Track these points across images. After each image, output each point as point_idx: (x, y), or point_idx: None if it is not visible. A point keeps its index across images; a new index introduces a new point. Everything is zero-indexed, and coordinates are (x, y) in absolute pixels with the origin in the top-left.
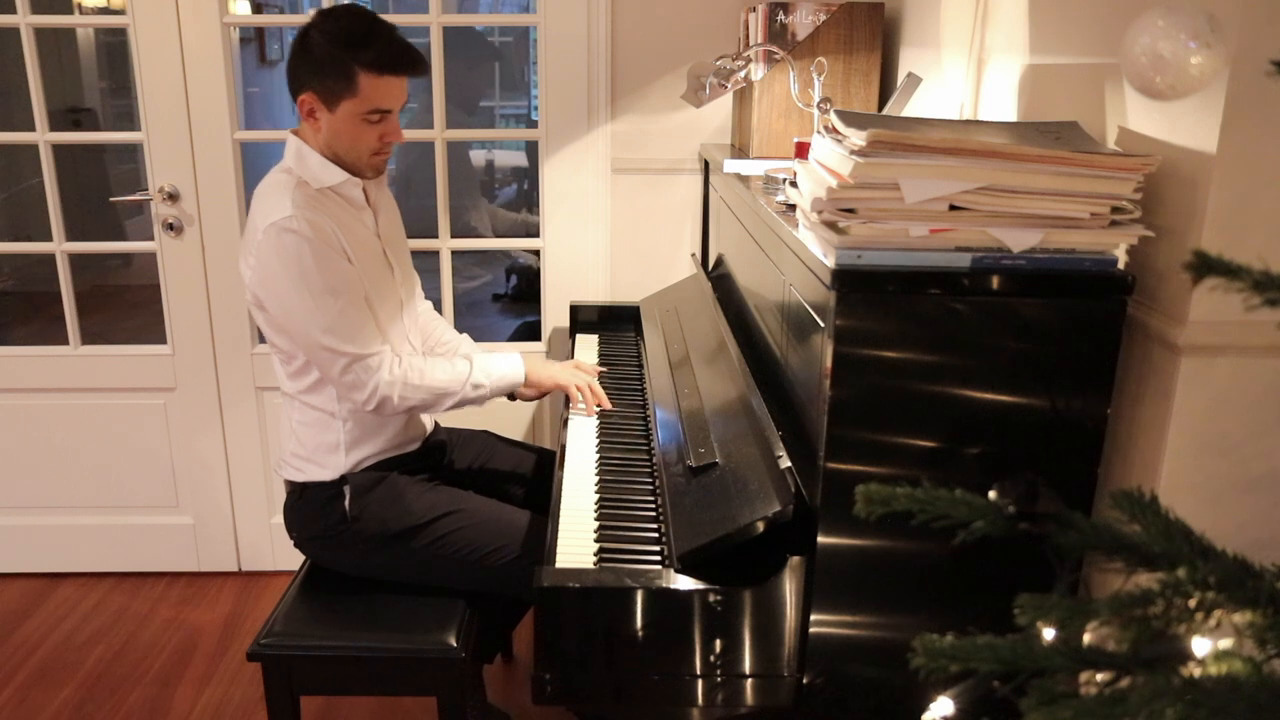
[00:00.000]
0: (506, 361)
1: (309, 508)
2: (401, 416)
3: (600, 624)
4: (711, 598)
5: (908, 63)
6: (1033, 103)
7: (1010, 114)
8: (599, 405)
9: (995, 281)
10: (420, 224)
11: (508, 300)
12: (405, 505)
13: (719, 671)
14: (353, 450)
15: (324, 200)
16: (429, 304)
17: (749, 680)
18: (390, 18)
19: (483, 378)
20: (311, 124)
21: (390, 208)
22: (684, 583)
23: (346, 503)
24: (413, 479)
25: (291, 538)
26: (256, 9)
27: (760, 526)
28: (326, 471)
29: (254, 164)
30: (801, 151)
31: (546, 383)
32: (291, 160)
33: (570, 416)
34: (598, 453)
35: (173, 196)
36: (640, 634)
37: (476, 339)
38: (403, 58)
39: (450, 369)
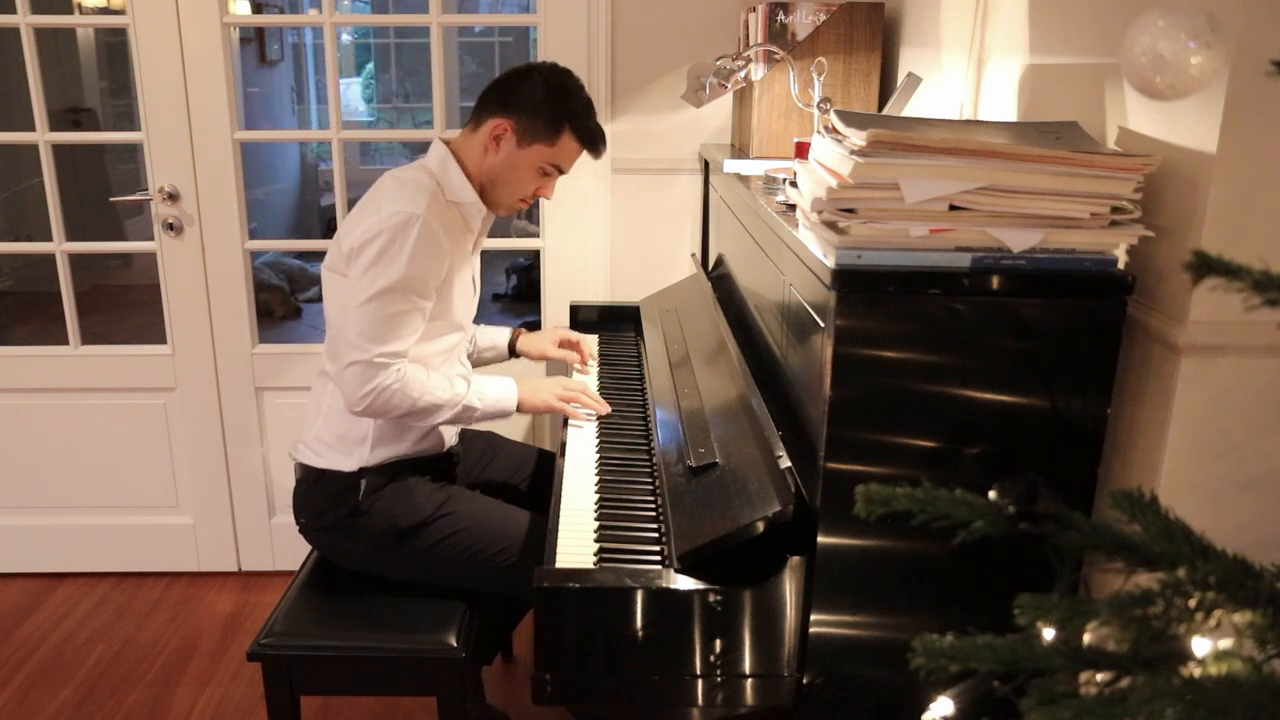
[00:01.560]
0: (500, 387)
1: (322, 495)
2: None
3: (600, 624)
4: (711, 598)
5: (908, 63)
6: (1033, 103)
7: (1010, 114)
8: (597, 412)
9: (995, 281)
10: None
11: (508, 300)
12: (412, 503)
13: (719, 671)
14: (378, 447)
15: (449, 214)
16: None
17: (749, 680)
18: (390, 18)
19: (475, 401)
20: (490, 147)
21: (485, 237)
22: (684, 583)
23: (360, 495)
24: (421, 478)
25: (299, 523)
26: (256, 9)
27: (760, 526)
28: (348, 462)
29: (254, 164)
30: (801, 151)
31: (540, 408)
32: (435, 165)
33: (571, 427)
34: (598, 453)
35: (173, 196)
36: (640, 634)
37: None
38: (601, 140)
39: (448, 386)
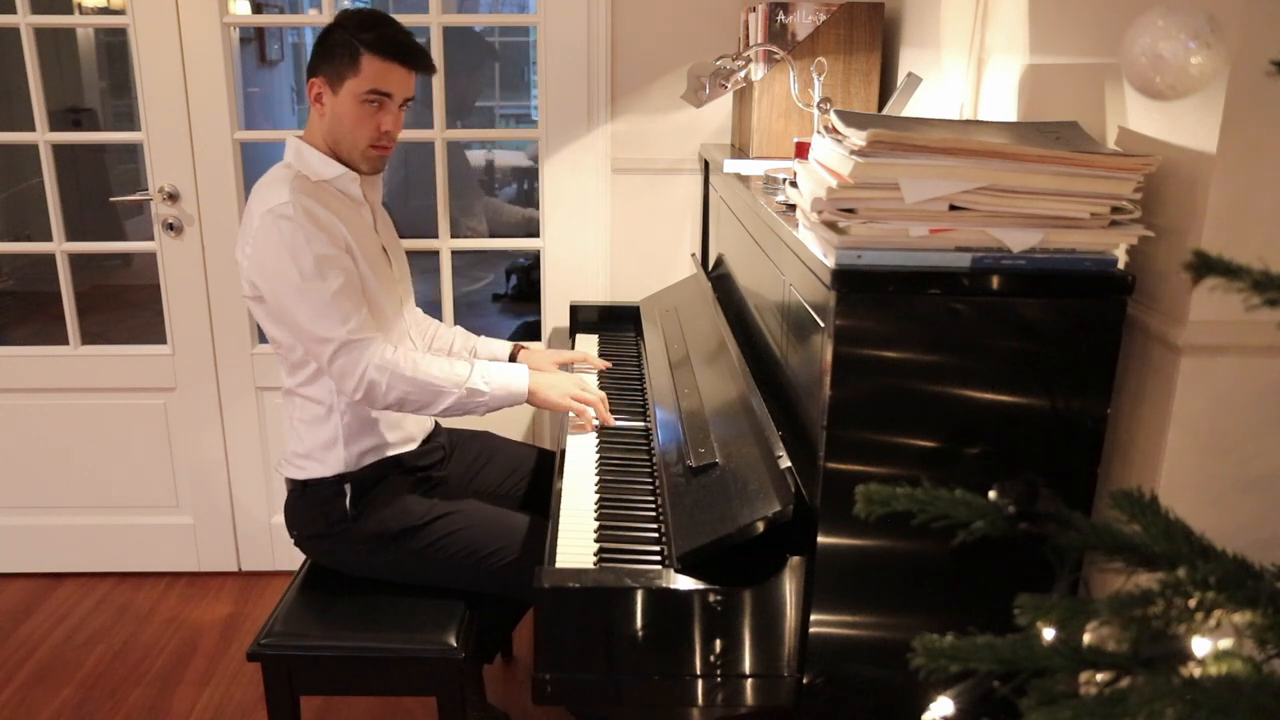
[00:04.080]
0: (509, 371)
1: (309, 506)
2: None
3: (600, 624)
4: (711, 598)
5: (908, 63)
6: (1033, 103)
7: (1010, 114)
8: (601, 422)
9: (995, 281)
10: (421, 225)
11: (508, 300)
12: (405, 505)
13: (719, 671)
14: (351, 444)
15: (322, 192)
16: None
17: (749, 680)
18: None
19: (482, 384)
20: (318, 110)
21: (384, 212)
22: (684, 583)
23: (347, 501)
24: (413, 479)
25: (292, 536)
26: (256, 9)
27: (760, 526)
28: (327, 468)
29: (254, 164)
30: (801, 151)
31: (554, 403)
32: (291, 156)
33: (570, 434)
34: (598, 452)
35: (173, 196)
36: (640, 634)
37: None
38: (405, 45)
39: (448, 367)
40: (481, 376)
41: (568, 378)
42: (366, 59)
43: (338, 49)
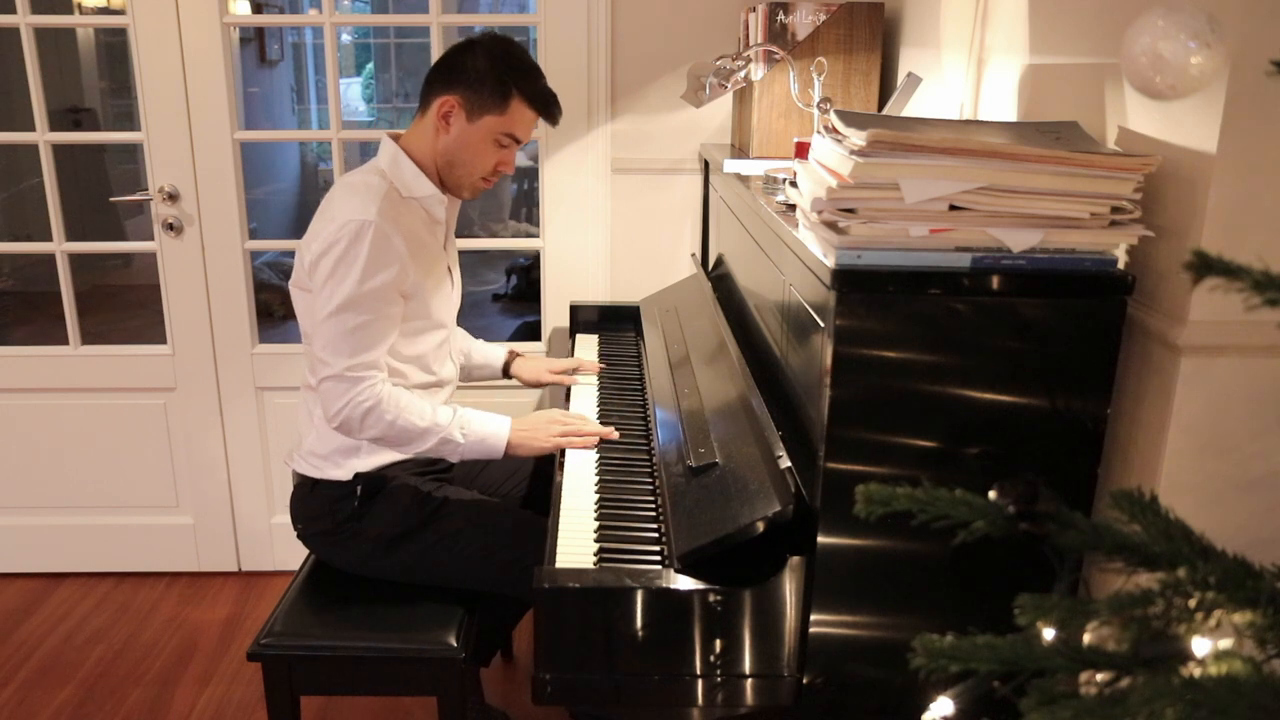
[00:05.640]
0: (490, 424)
1: (318, 503)
2: None
3: (600, 624)
4: (711, 598)
5: (908, 63)
6: (1033, 103)
7: (1010, 114)
8: (602, 436)
9: (995, 281)
10: None
11: (508, 300)
12: (409, 506)
13: (719, 671)
14: (372, 456)
15: (407, 209)
16: None
17: (749, 680)
18: (390, 18)
19: (458, 435)
20: (440, 127)
21: (453, 227)
22: (684, 583)
23: (355, 503)
24: (418, 478)
25: (296, 529)
26: (256, 9)
27: (760, 526)
28: (343, 472)
29: (254, 164)
30: (801, 151)
31: (537, 452)
32: (386, 163)
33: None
34: (598, 452)
35: (173, 196)
36: (640, 634)
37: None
38: (554, 103)
39: (430, 414)
40: (460, 427)
41: (544, 419)
42: (517, 104)
43: (488, 81)
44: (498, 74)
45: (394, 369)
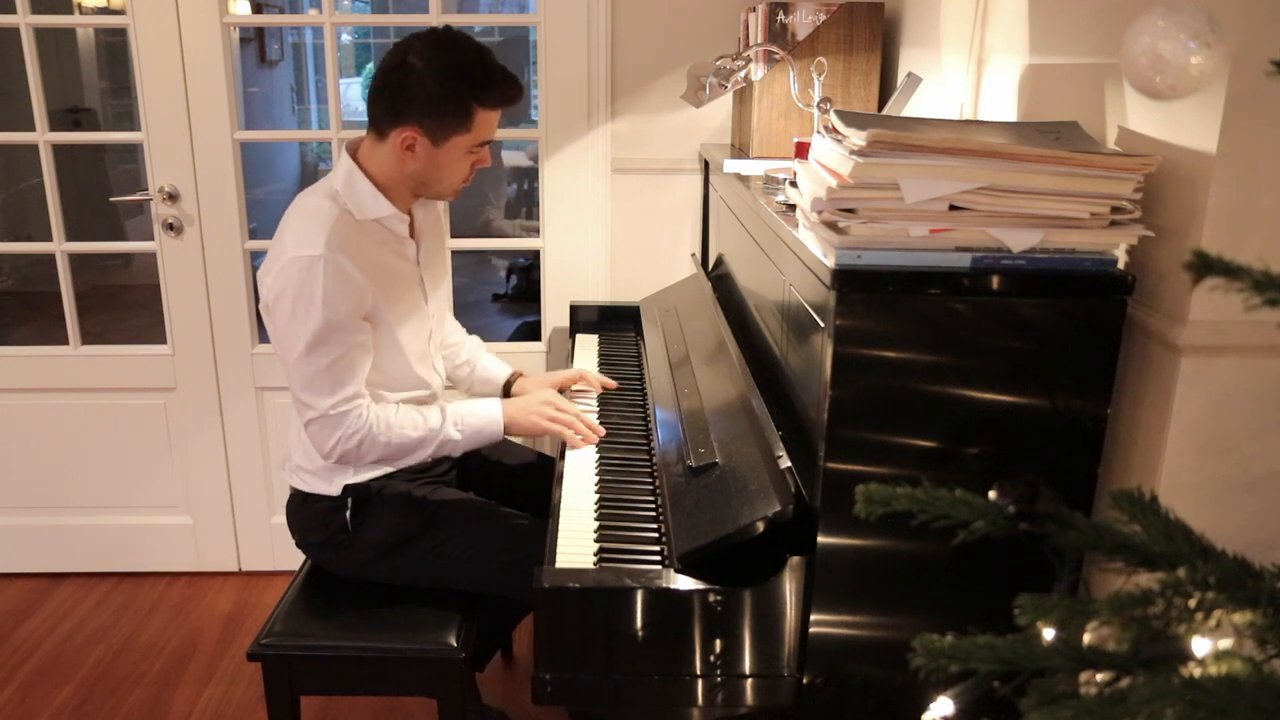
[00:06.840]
0: (482, 414)
1: (310, 516)
2: None
3: (600, 624)
4: (711, 598)
5: (908, 63)
6: (1033, 103)
7: (1010, 114)
8: (597, 434)
9: (995, 281)
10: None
11: (508, 300)
12: (405, 513)
13: (719, 672)
14: (361, 471)
15: (364, 233)
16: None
17: (749, 680)
18: (390, 18)
19: (454, 433)
20: (407, 156)
21: (434, 228)
22: (684, 583)
23: (348, 515)
24: (413, 484)
25: (293, 537)
26: (256, 9)
27: (760, 526)
28: (332, 487)
29: (254, 164)
30: (801, 151)
31: (532, 430)
32: (340, 185)
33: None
34: (597, 453)
35: (173, 196)
36: (640, 634)
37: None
38: (514, 90)
39: (421, 421)
40: (454, 423)
41: (537, 400)
42: (480, 115)
43: (445, 103)
44: (451, 93)
45: (374, 394)
